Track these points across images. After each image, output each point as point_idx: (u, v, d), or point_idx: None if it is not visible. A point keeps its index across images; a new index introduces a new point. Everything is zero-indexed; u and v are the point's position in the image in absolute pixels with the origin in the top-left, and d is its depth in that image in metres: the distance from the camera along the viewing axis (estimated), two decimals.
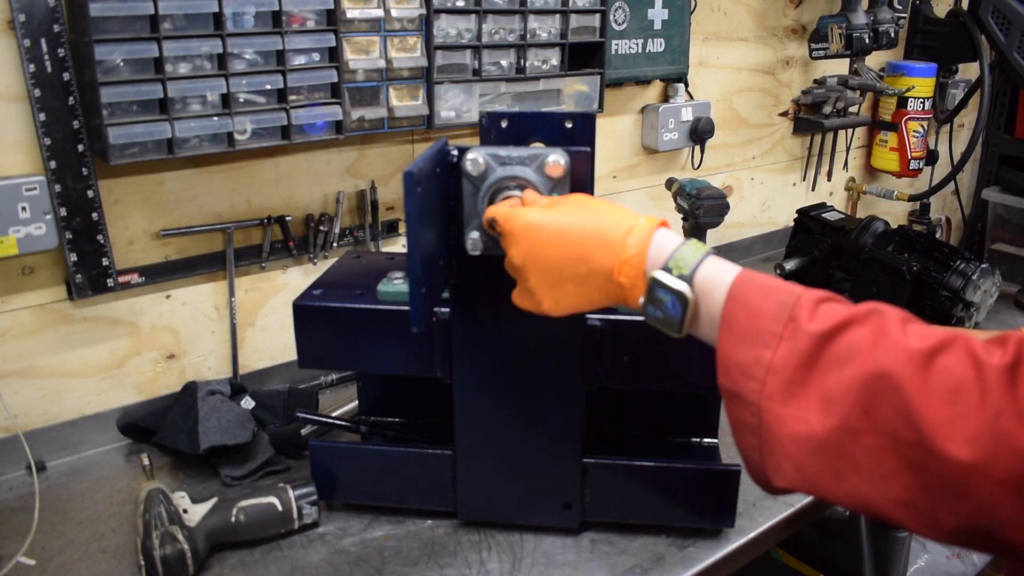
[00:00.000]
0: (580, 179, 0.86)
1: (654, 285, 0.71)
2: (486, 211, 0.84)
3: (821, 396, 0.59)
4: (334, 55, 1.26)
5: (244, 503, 1.06)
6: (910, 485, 0.55)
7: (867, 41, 1.98)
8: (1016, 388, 0.51)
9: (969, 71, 2.45)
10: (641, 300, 0.73)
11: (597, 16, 1.54)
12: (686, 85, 1.87)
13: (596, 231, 0.75)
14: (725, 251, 2.11)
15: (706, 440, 1.16)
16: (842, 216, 1.92)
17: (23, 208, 1.13)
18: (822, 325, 0.60)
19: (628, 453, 1.07)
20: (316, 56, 1.25)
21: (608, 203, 0.78)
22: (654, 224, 0.74)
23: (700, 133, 1.89)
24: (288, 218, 1.40)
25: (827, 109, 2.15)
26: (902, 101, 2.26)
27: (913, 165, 2.32)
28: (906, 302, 1.65)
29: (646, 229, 0.74)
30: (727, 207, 1.64)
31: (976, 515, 0.53)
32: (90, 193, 1.19)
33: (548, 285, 0.79)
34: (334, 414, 1.30)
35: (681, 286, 0.70)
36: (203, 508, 1.05)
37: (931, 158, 2.45)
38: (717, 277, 0.70)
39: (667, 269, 0.71)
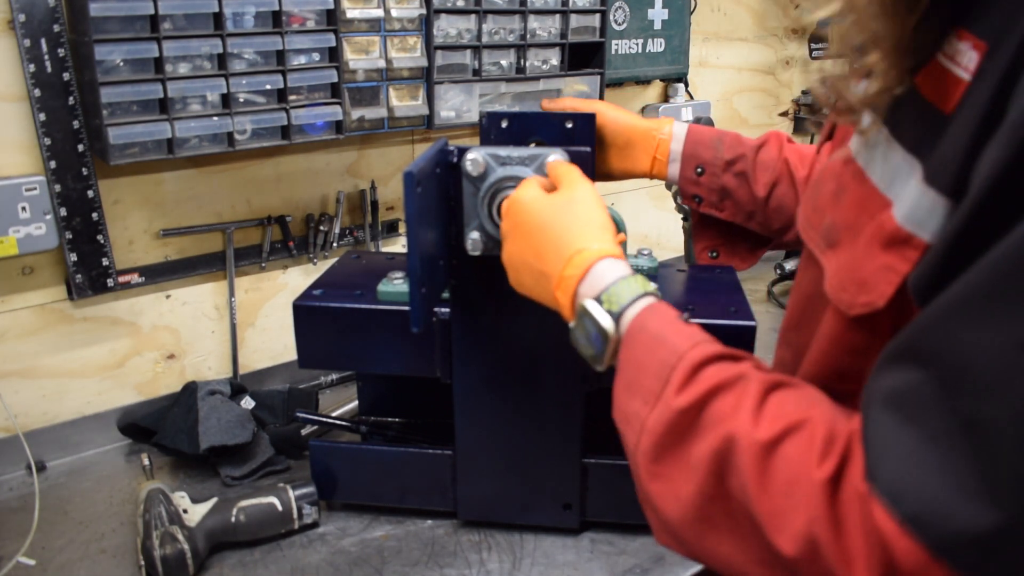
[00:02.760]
0: None
1: (582, 313, 0.70)
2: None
3: (684, 462, 0.59)
4: (334, 55, 1.26)
5: (244, 503, 1.06)
6: (764, 545, 0.55)
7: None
8: (837, 502, 0.51)
9: None
10: (571, 324, 0.72)
11: (597, 16, 1.54)
12: (686, 85, 1.87)
13: (559, 238, 0.75)
14: None
15: None
16: None
17: (23, 208, 1.13)
18: (687, 399, 0.59)
19: None
20: (316, 56, 1.25)
21: (592, 213, 0.77)
22: (601, 253, 0.72)
23: None
24: (288, 218, 1.40)
25: (827, 109, 2.15)
26: None
27: None
28: None
29: (590, 256, 0.72)
30: None
31: None
32: (90, 193, 1.19)
33: (515, 263, 0.80)
34: (334, 414, 1.30)
35: (606, 321, 0.68)
36: (203, 508, 1.05)
37: None
38: (645, 324, 0.68)
39: (599, 300, 0.69)
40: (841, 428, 0.54)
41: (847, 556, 0.49)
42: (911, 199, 0.53)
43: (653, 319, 0.67)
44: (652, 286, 0.70)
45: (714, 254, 1.16)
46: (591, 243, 0.73)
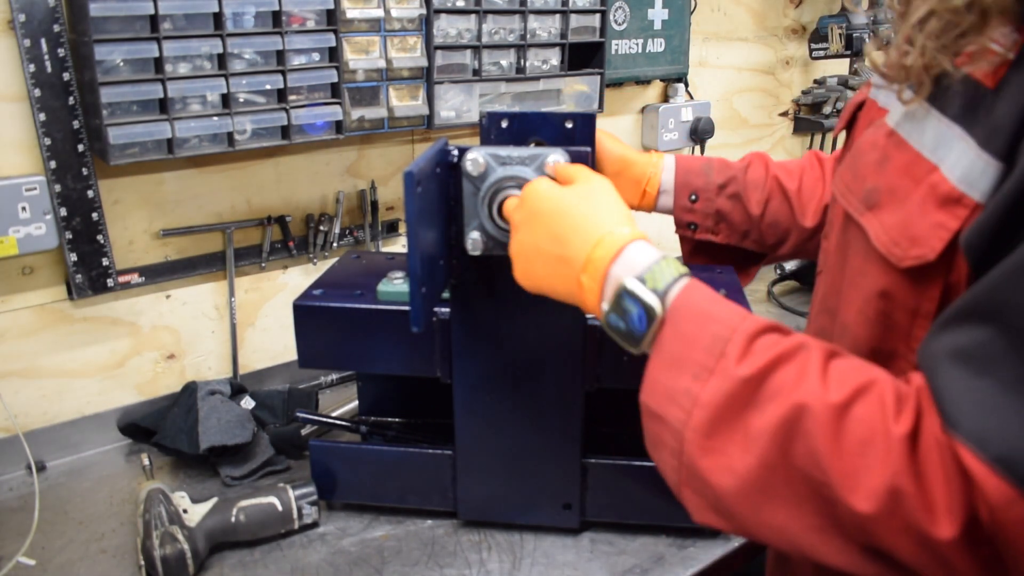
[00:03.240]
0: None
1: (623, 293, 0.68)
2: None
3: (743, 434, 0.60)
4: (334, 55, 1.26)
5: (244, 503, 1.06)
6: (822, 511, 0.57)
7: (867, 41, 1.98)
8: (917, 453, 0.54)
9: None
10: (605, 306, 0.70)
11: (597, 16, 1.54)
12: (686, 85, 1.87)
13: (583, 223, 0.74)
14: None
15: None
16: None
17: (23, 208, 1.13)
18: (750, 368, 0.60)
19: (628, 453, 1.07)
20: (316, 56, 1.25)
21: (615, 200, 0.77)
22: (634, 236, 0.72)
23: (700, 133, 1.89)
24: (288, 218, 1.40)
25: (827, 109, 2.15)
26: None
27: None
28: None
29: (622, 237, 0.71)
30: None
31: (881, 549, 0.56)
32: (90, 193, 1.19)
33: (525, 257, 0.78)
34: (334, 414, 1.30)
35: (652, 299, 0.67)
36: (203, 508, 1.05)
37: None
38: (690, 301, 0.67)
39: (641, 280, 0.68)
40: (904, 388, 0.57)
41: (929, 503, 0.53)
42: (964, 163, 0.59)
43: (698, 296, 0.67)
44: (686, 268, 0.70)
45: None
46: (619, 227, 0.72)
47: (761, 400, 0.60)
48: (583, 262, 0.72)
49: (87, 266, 1.22)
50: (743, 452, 0.60)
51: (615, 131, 1.83)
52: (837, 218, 0.76)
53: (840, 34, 1.98)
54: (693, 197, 1.13)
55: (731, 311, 0.65)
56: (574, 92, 1.56)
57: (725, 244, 1.16)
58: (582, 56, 1.56)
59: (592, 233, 0.72)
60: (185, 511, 1.04)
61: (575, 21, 1.51)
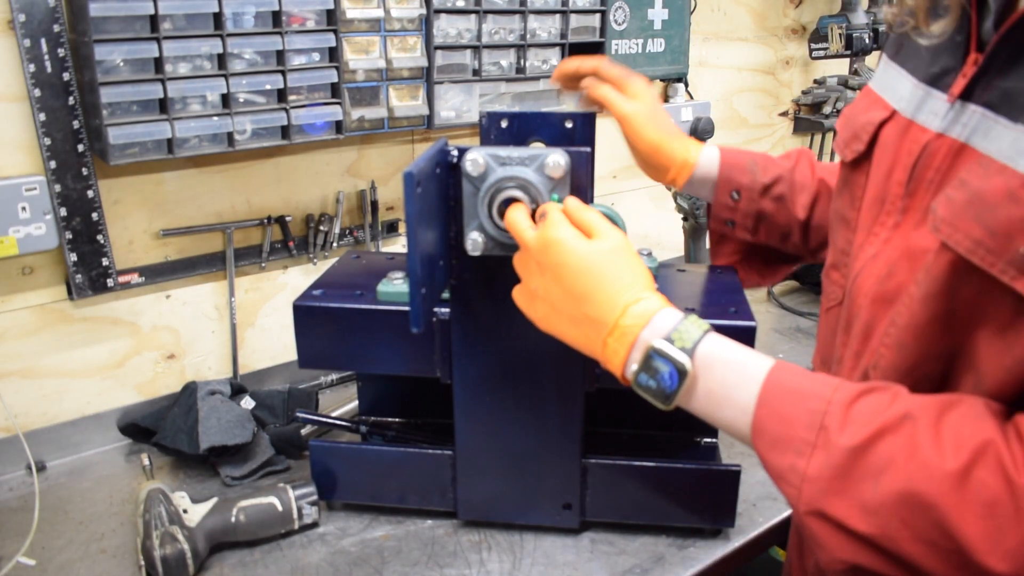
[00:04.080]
0: (580, 179, 0.86)
1: (653, 354, 0.71)
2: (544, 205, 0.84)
3: (859, 505, 0.61)
4: (334, 55, 1.26)
5: (244, 503, 1.06)
6: (955, 571, 0.58)
7: (867, 41, 1.98)
8: None
9: None
10: (633, 368, 0.73)
11: (597, 16, 1.54)
12: (686, 85, 1.87)
13: (610, 283, 0.76)
14: None
15: (706, 440, 1.16)
16: None
17: (23, 208, 1.13)
18: (853, 439, 0.61)
19: (628, 453, 1.07)
20: (316, 56, 1.26)
21: (637, 263, 0.78)
22: (663, 304, 0.75)
23: (700, 133, 1.89)
24: (288, 218, 1.40)
25: (827, 109, 2.15)
26: None
27: None
28: None
29: (652, 305, 0.74)
30: None
31: None
32: (90, 193, 1.19)
33: (549, 303, 0.80)
34: (334, 414, 1.30)
35: (683, 358, 0.70)
36: (203, 508, 1.05)
37: None
38: (717, 353, 0.71)
39: (669, 340, 0.71)
40: (1013, 435, 0.57)
41: None
42: None
43: (778, 373, 0.68)
44: (707, 323, 0.73)
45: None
46: (645, 292, 0.75)
47: (873, 471, 0.60)
48: (610, 326, 0.74)
49: (87, 266, 1.22)
50: (862, 523, 0.60)
51: (615, 131, 1.83)
52: (924, 264, 0.67)
53: (840, 34, 1.98)
54: (735, 195, 1.07)
55: (821, 383, 0.66)
56: (574, 92, 1.56)
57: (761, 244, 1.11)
58: (582, 56, 1.56)
59: (620, 297, 0.75)
60: (185, 511, 1.04)
61: (575, 21, 1.51)
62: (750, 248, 1.13)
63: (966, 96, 0.65)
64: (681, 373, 0.70)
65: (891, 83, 0.76)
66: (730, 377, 0.70)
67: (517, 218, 0.83)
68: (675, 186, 1.10)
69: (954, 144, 0.65)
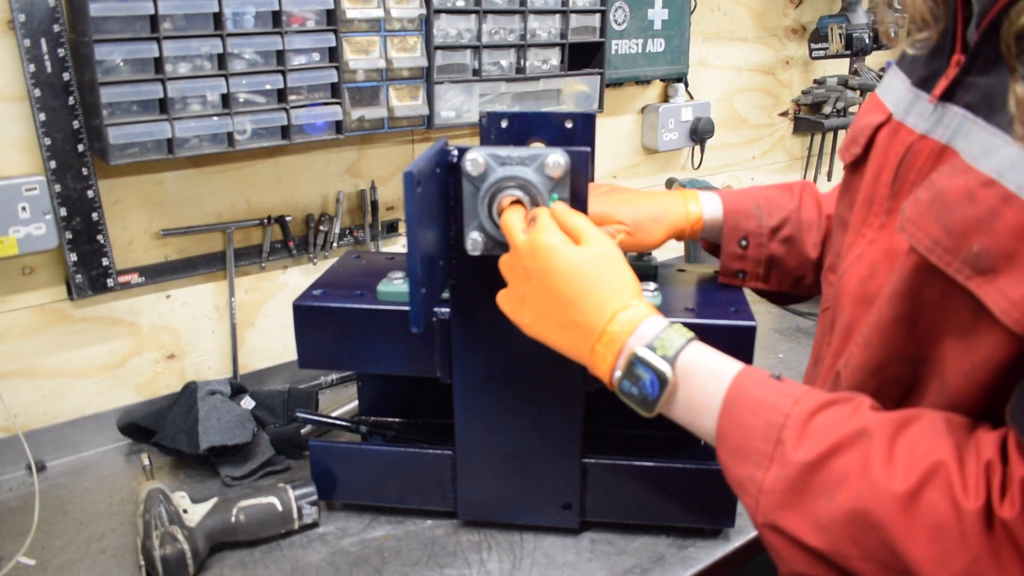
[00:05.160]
0: (580, 179, 0.86)
1: (635, 361, 0.72)
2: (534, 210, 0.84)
3: (812, 521, 0.61)
4: (334, 55, 1.26)
5: (244, 503, 1.06)
6: None
7: (867, 41, 1.98)
8: (993, 531, 0.54)
9: None
10: (617, 374, 0.74)
11: (597, 16, 1.54)
12: (686, 85, 1.87)
13: (597, 292, 0.76)
14: None
15: (706, 440, 1.16)
16: None
17: (23, 208, 1.13)
18: (808, 454, 0.61)
19: (628, 453, 1.07)
20: (316, 56, 1.25)
21: (625, 269, 0.79)
22: (650, 311, 0.75)
23: (700, 133, 1.89)
24: (288, 218, 1.40)
25: (827, 109, 2.15)
26: None
27: None
28: None
29: (639, 313, 0.75)
30: None
31: None
32: (90, 193, 1.19)
33: (537, 308, 0.80)
34: (334, 414, 1.30)
35: (663, 366, 0.71)
36: (203, 508, 1.05)
37: None
38: (698, 363, 0.71)
39: (651, 348, 0.72)
40: (972, 462, 0.56)
41: None
42: None
43: (743, 380, 0.69)
44: (691, 333, 0.74)
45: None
46: (632, 300, 0.76)
47: (826, 488, 0.60)
48: (598, 332, 0.75)
49: (87, 266, 1.22)
50: (815, 538, 0.61)
51: (615, 131, 1.83)
52: (898, 265, 0.67)
53: (840, 34, 1.98)
54: (744, 242, 1.03)
55: (783, 395, 0.66)
56: (574, 92, 1.56)
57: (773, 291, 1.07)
58: (582, 56, 1.56)
59: (608, 304, 0.75)
60: (185, 511, 1.04)
61: (575, 21, 1.51)
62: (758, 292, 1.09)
63: (948, 97, 0.65)
64: (662, 381, 0.71)
65: (891, 87, 0.76)
66: (709, 386, 0.70)
67: (511, 220, 0.83)
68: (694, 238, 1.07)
69: (936, 146, 0.65)
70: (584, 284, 0.76)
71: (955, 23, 0.66)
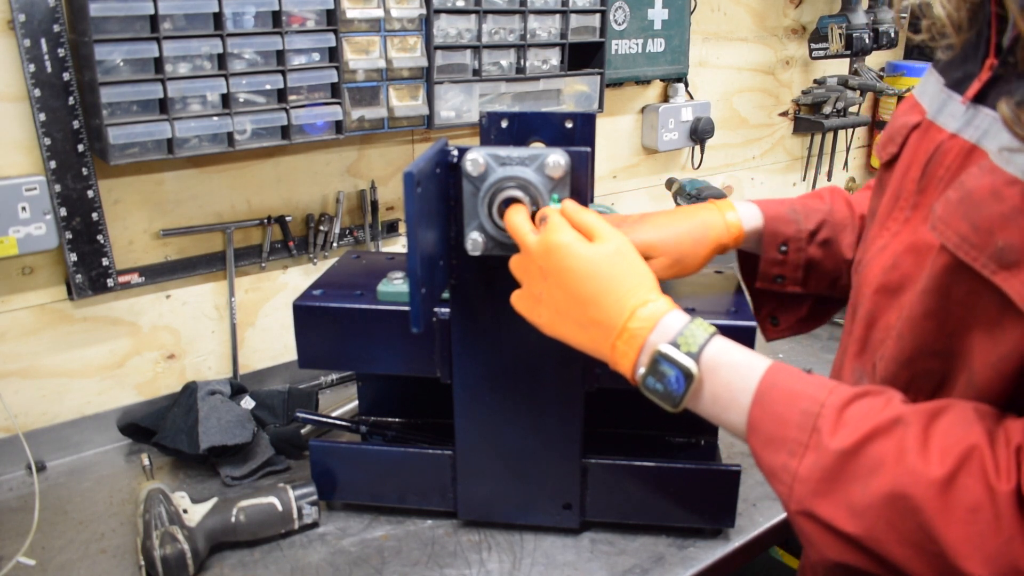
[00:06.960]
0: (580, 179, 0.86)
1: (660, 359, 0.73)
2: (544, 208, 0.84)
3: (847, 506, 0.62)
4: (334, 55, 1.26)
5: (244, 503, 1.06)
6: (936, 572, 0.59)
7: (867, 41, 1.98)
8: None
9: None
10: (641, 371, 0.74)
11: (597, 16, 1.54)
12: (686, 85, 1.87)
13: (615, 285, 0.76)
14: None
15: (706, 440, 1.17)
16: None
17: (23, 208, 1.13)
18: (844, 441, 0.63)
19: (628, 453, 1.07)
20: (316, 56, 1.25)
21: (641, 265, 0.79)
22: (670, 307, 0.76)
23: (700, 133, 1.89)
24: (288, 218, 1.40)
25: (827, 109, 2.15)
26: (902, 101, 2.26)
27: None
28: None
29: (660, 309, 0.75)
30: None
31: None
32: (90, 193, 1.19)
33: (554, 307, 0.80)
34: (334, 414, 1.30)
35: (688, 363, 0.72)
36: (203, 508, 1.05)
37: None
38: (723, 357, 0.72)
39: (675, 344, 0.73)
40: (1003, 447, 0.58)
41: None
42: None
43: (775, 373, 0.70)
44: (713, 327, 0.74)
45: (775, 321, 1.10)
46: (650, 294, 0.76)
47: (862, 474, 0.62)
48: (619, 329, 0.75)
49: (87, 266, 1.22)
50: (849, 524, 0.62)
51: (615, 131, 1.83)
52: (928, 262, 0.68)
53: (840, 34, 1.98)
54: (783, 248, 1.03)
55: (817, 386, 0.67)
56: (574, 92, 1.56)
57: (810, 294, 1.06)
58: (582, 56, 1.56)
59: (627, 300, 0.76)
60: (185, 511, 1.04)
61: (575, 21, 1.51)
62: (791, 300, 1.08)
63: (981, 99, 0.67)
64: (687, 377, 0.72)
65: (927, 88, 0.78)
66: (735, 380, 0.71)
67: (518, 221, 0.83)
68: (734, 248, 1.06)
69: (965, 145, 0.67)
70: (601, 281, 0.77)
71: (989, 28, 0.68)
